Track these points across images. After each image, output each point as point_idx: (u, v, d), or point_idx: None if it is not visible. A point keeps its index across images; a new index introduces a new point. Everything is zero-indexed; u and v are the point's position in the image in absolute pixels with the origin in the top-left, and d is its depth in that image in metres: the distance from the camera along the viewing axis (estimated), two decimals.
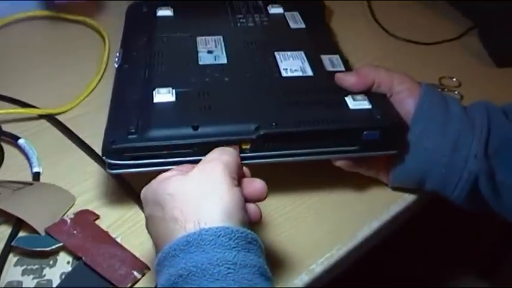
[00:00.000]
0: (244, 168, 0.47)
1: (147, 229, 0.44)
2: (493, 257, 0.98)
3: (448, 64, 0.81)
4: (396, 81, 0.56)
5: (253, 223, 0.44)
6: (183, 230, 0.39)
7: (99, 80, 0.74)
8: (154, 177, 0.45)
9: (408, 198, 0.60)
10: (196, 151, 0.51)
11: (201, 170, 0.43)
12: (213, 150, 0.46)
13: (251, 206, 0.44)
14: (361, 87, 0.56)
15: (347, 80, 0.57)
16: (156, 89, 0.56)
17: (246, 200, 0.43)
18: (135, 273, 0.51)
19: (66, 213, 0.56)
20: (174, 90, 0.56)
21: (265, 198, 0.45)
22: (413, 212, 0.61)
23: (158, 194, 0.42)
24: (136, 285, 0.50)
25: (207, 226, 0.38)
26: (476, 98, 0.73)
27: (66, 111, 0.69)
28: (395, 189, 0.60)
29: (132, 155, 0.51)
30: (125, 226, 0.55)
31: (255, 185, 0.45)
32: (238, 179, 0.44)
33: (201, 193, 0.40)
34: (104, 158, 0.51)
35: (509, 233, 0.93)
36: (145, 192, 0.44)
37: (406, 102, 0.56)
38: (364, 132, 0.53)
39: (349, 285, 0.76)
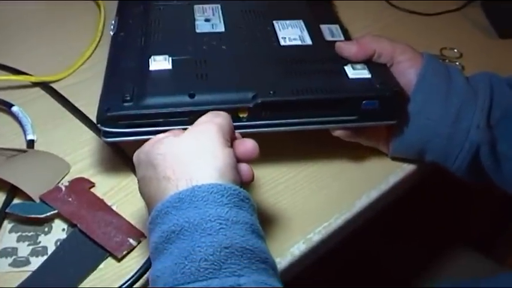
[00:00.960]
0: (236, 133, 0.47)
1: (140, 191, 0.44)
2: (490, 233, 0.98)
3: (450, 35, 0.79)
4: (398, 51, 0.55)
5: (245, 183, 0.44)
6: (175, 188, 0.39)
7: (95, 48, 0.72)
8: None
9: (407, 168, 0.59)
10: (192, 119, 0.49)
11: (194, 131, 0.42)
12: (206, 114, 0.45)
13: (243, 166, 0.44)
14: (361, 56, 0.55)
15: (347, 49, 0.55)
16: (152, 57, 0.55)
17: (238, 160, 0.43)
18: (131, 240, 0.50)
19: (61, 180, 0.55)
20: (170, 58, 0.55)
21: (256, 157, 0.45)
22: (412, 183, 0.60)
23: (151, 154, 0.41)
24: (132, 253, 0.50)
25: (200, 183, 0.38)
26: (478, 69, 0.72)
27: (61, 79, 0.67)
28: (394, 159, 0.59)
29: (127, 122, 0.50)
30: (120, 194, 0.55)
31: (246, 144, 0.45)
32: (231, 141, 0.44)
33: (193, 152, 0.40)
34: (98, 125, 0.50)
35: (506, 208, 0.93)
36: (138, 154, 0.43)
37: (408, 72, 0.54)
38: (363, 102, 0.52)
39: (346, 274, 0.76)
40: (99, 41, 0.73)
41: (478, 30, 0.81)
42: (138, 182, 0.44)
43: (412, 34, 0.78)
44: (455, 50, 0.76)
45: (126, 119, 0.50)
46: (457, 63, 0.74)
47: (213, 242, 0.36)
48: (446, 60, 0.74)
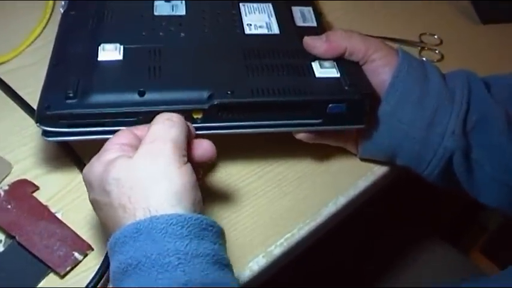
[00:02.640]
0: (189, 126, 0.44)
1: (95, 211, 0.41)
2: (458, 222, 0.98)
3: (431, 19, 0.75)
4: (371, 49, 0.51)
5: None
6: (132, 217, 0.37)
7: (44, 27, 0.65)
8: (102, 144, 0.41)
9: (378, 171, 0.56)
10: (141, 119, 0.46)
11: (147, 152, 0.39)
12: (158, 120, 0.41)
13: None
14: (330, 55, 0.50)
15: (316, 47, 0.51)
16: (102, 45, 0.50)
17: (197, 161, 0.42)
18: (76, 254, 0.46)
19: (0, 183, 0.50)
20: (121, 47, 0.50)
21: (214, 158, 0.44)
22: (382, 187, 0.57)
23: (103, 179, 0.39)
24: (77, 268, 0.46)
25: (158, 213, 0.36)
26: (458, 58, 0.69)
27: (3, 63, 0.61)
28: (364, 160, 0.56)
29: (70, 122, 0.46)
30: (67, 198, 0.50)
31: (203, 145, 0.43)
32: (189, 144, 0.42)
33: (148, 177, 0.38)
34: (37, 124, 0.46)
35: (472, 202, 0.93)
36: (88, 174, 0.40)
37: (382, 71, 0.50)
38: (330, 105, 0.48)
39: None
40: (49, 19, 0.66)
41: (460, 15, 0.76)
42: (91, 203, 0.41)
43: (391, 18, 0.74)
44: (436, 36, 0.72)
45: (69, 118, 0.45)
46: (437, 51, 0.70)
47: (170, 279, 0.34)
48: (426, 48, 0.70)
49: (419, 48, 0.70)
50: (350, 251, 0.77)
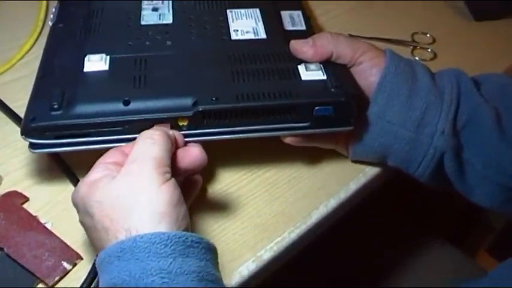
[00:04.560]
0: (177, 135, 0.45)
1: (85, 232, 0.42)
2: (462, 223, 0.96)
3: (423, 17, 0.74)
4: (358, 52, 0.50)
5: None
6: (114, 239, 0.37)
7: (35, 40, 0.66)
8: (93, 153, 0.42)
9: (370, 172, 0.55)
10: (127, 129, 0.46)
11: (127, 172, 0.39)
12: (139, 138, 0.42)
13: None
14: (317, 60, 0.50)
15: (302, 52, 0.50)
16: (88, 56, 0.50)
17: (187, 170, 0.43)
18: (65, 264, 0.46)
19: None
20: (107, 57, 0.50)
21: (204, 164, 0.43)
22: (375, 188, 0.56)
23: (86, 202, 0.39)
24: (67, 277, 0.46)
25: (141, 233, 0.36)
26: (451, 56, 0.69)
27: None
28: (355, 161, 0.55)
29: (56, 133, 0.46)
30: (56, 209, 0.50)
31: (192, 153, 0.43)
32: (173, 154, 0.42)
33: (129, 198, 0.38)
34: (23, 137, 0.46)
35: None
36: (75, 197, 0.41)
37: (370, 73, 0.50)
38: (316, 108, 0.47)
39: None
40: (40, 32, 0.67)
41: (452, 12, 0.75)
42: (81, 224, 0.41)
43: (382, 17, 0.74)
44: (428, 35, 0.71)
45: (54, 129, 0.45)
46: (429, 50, 0.69)
47: None
48: (418, 47, 0.69)
49: (411, 47, 0.69)
50: (351, 252, 0.76)
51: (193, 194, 0.47)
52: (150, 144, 0.40)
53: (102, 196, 0.38)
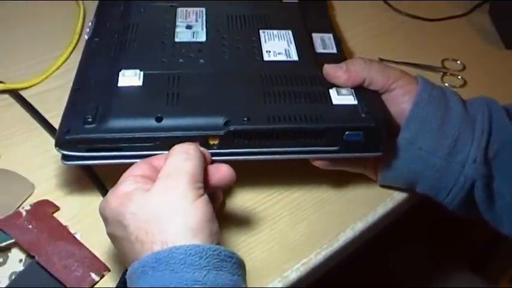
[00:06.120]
0: (206, 152, 0.45)
1: (113, 244, 0.42)
2: (484, 250, 0.95)
3: (453, 43, 0.74)
4: (391, 79, 0.51)
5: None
6: (149, 251, 0.37)
7: (71, 52, 0.67)
8: (123, 167, 0.42)
9: (397, 197, 0.55)
10: (158, 145, 0.46)
11: (163, 186, 0.40)
12: (174, 152, 0.42)
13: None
14: (350, 85, 0.51)
15: (335, 77, 0.51)
16: (122, 71, 0.51)
17: (215, 186, 0.43)
18: (93, 275, 0.47)
19: (22, 203, 0.51)
20: (141, 73, 0.51)
21: (233, 182, 0.44)
22: (402, 212, 0.56)
23: (120, 213, 0.39)
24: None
25: (177, 245, 0.37)
26: (481, 83, 0.69)
27: (31, 86, 0.63)
28: (384, 186, 0.55)
29: (88, 146, 0.47)
30: (86, 220, 0.51)
31: (222, 170, 0.44)
32: (205, 169, 0.43)
33: (164, 212, 0.38)
34: (56, 149, 0.47)
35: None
36: (104, 208, 0.41)
37: (402, 100, 0.50)
38: (346, 133, 0.48)
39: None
40: (76, 44, 0.68)
41: (483, 39, 0.75)
42: (108, 236, 0.42)
43: (413, 41, 0.75)
44: (458, 62, 0.71)
45: (87, 142, 0.47)
46: (459, 76, 0.69)
47: None
48: (448, 74, 0.70)
49: (441, 73, 0.69)
50: (374, 273, 0.76)
51: (215, 209, 0.48)
52: (185, 159, 0.41)
53: (137, 208, 0.39)
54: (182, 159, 0.41)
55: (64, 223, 0.50)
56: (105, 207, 0.41)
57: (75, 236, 0.49)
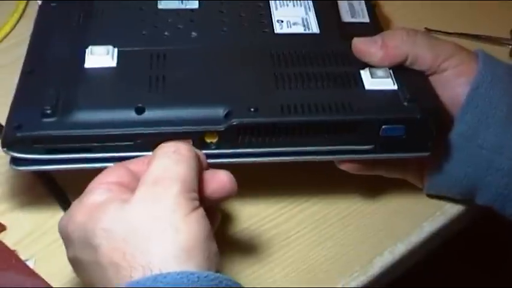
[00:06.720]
0: (200, 154, 0.45)
1: (75, 272, 0.42)
2: None
3: None
4: (441, 56, 0.51)
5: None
6: (127, 278, 0.37)
7: (17, 21, 0.68)
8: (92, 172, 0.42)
9: (450, 210, 0.56)
10: (139, 144, 0.47)
11: (147, 195, 0.39)
12: (161, 152, 0.42)
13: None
14: (388, 64, 0.51)
15: (370, 54, 0.51)
16: (90, 47, 0.52)
17: (210, 199, 0.43)
18: None
19: None
20: (115, 50, 0.52)
21: (234, 193, 0.44)
22: (456, 231, 0.57)
23: (88, 229, 0.39)
24: None
25: (164, 271, 0.36)
26: None
27: None
28: (431, 196, 0.56)
29: (47, 146, 0.47)
30: (42, 242, 0.52)
31: (220, 178, 0.44)
32: (200, 176, 0.43)
33: (149, 228, 0.38)
34: (3, 150, 0.47)
35: None
36: (66, 225, 0.41)
37: (456, 83, 0.51)
38: (383, 126, 0.48)
39: None
40: (23, 12, 0.69)
41: None
42: (70, 262, 0.41)
43: (470, 6, 0.76)
44: None
45: (46, 141, 0.47)
46: None
47: None
48: None
49: (510, 47, 0.70)
50: None
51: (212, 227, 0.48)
52: (175, 162, 0.41)
53: (112, 224, 0.38)
54: (172, 162, 0.41)
55: (12, 247, 0.50)
56: (67, 223, 0.41)
57: (27, 263, 0.49)
